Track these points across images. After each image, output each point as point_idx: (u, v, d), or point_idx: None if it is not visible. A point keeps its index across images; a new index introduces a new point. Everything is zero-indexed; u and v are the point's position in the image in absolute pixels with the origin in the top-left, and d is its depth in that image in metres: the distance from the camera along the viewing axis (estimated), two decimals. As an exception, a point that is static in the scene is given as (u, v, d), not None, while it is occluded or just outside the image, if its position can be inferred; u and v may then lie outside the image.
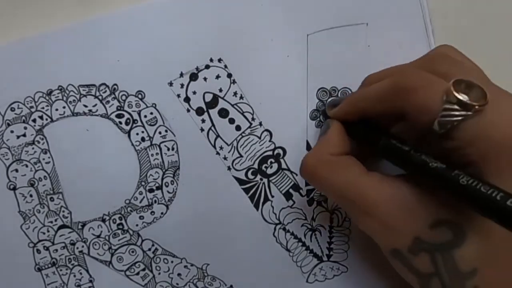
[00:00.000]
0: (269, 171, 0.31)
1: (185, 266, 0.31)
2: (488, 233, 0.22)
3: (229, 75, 0.30)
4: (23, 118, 0.29)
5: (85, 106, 0.29)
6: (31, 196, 0.29)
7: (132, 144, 0.30)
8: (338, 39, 0.30)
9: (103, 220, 0.30)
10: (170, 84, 0.30)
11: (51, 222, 0.30)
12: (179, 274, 0.31)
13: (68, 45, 0.29)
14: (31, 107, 0.29)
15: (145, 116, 0.30)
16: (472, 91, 0.22)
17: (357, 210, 0.25)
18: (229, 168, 0.30)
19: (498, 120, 0.21)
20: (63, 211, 0.30)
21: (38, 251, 0.30)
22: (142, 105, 0.30)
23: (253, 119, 0.30)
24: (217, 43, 0.30)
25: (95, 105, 0.29)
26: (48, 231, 0.30)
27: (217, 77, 0.30)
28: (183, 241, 0.30)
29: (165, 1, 0.29)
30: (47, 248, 0.30)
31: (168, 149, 0.30)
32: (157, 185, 0.30)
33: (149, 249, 0.30)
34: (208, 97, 0.30)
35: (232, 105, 0.30)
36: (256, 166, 0.31)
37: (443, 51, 0.26)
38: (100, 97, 0.29)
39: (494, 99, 0.21)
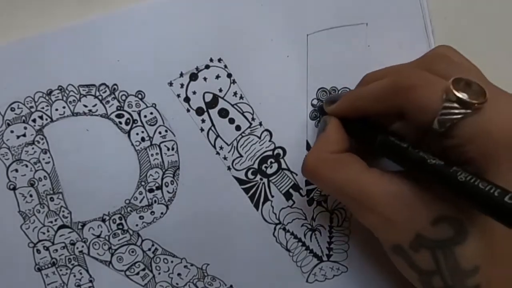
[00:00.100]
0: (269, 171, 0.31)
1: (185, 266, 0.31)
2: (490, 230, 0.22)
3: (229, 75, 0.30)
4: (23, 118, 0.29)
5: (85, 106, 0.29)
6: (31, 196, 0.29)
7: (132, 144, 0.30)
8: (338, 39, 0.30)
9: (103, 220, 0.30)
10: (170, 84, 0.30)
11: (51, 222, 0.30)
12: (179, 274, 0.31)
13: (68, 45, 0.29)
14: (31, 107, 0.29)
15: (145, 116, 0.30)
16: (471, 89, 0.22)
17: (359, 206, 0.25)
18: (229, 168, 0.30)
19: (497, 118, 0.21)
20: (63, 211, 0.30)
21: (38, 251, 0.30)
22: (142, 105, 0.30)
23: (253, 119, 0.30)
24: (217, 43, 0.30)
25: (95, 105, 0.29)
26: (48, 231, 0.30)
27: (217, 77, 0.30)
28: (183, 241, 0.30)
29: (165, 1, 0.29)
30: (47, 248, 0.30)
31: (168, 149, 0.30)
32: (157, 185, 0.30)
33: (149, 249, 0.30)
34: (208, 97, 0.30)
35: (232, 105, 0.30)
36: (256, 166, 0.31)
37: (442, 52, 0.26)
38: (100, 97, 0.29)
39: (492, 97, 0.21)
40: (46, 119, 0.29)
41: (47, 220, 0.30)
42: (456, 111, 0.21)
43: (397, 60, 0.28)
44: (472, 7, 0.31)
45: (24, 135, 0.29)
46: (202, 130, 0.30)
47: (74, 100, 0.29)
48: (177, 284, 0.31)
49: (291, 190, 0.31)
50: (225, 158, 0.30)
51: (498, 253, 0.22)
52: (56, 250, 0.30)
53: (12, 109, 0.29)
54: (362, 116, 0.26)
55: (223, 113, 0.30)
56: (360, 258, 0.31)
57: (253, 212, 0.31)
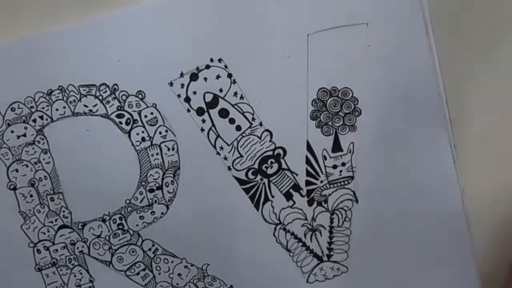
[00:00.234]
0: (270, 171, 0.31)
1: (185, 266, 0.31)
2: None
3: (230, 75, 0.30)
4: (23, 118, 0.29)
5: (86, 106, 0.29)
6: (31, 196, 0.29)
7: (132, 144, 0.30)
8: (338, 39, 0.30)
9: (103, 220, 0.30)
10: (171, 84, 0.30)
11: (51, 222, 0.30)
12: (179, 274, 0.31)
13: (68, 45, 0.29)
14: (32, 107, 0.29)
15: (146, 116, 0.30)
16: None
17: None
18: (229, 168, 0.30)
19: None
20: (63, 211, 0.30)
21: (38, 251, 0.30)
22: (142, 105, 0.30)
23: (253, 119, 0.30)
24: (217, 43, 0.30)
25: (96, 105, 0.29)
26: (48, 231, 0.30)
27: (218, 77, 0.30)
28: (183, 241, 0.30)
29: (165, 1, 0.29)
30: (47, 248, 0.30)
31: (169, 149, 0.30)
32: (157, 185, 0.30)
33: (149, 249, 0.30)
34: (209, 97, 0.30)
35: (233, 105, 0.30)
36: (256, 166, 0.31)
37: None
38: (100, 97, 0.29)
39: None
40: (47, 119, 0.29)
41: (48, 220, 0.30)
42: None
43: (397, 60, 0.28)
44: (473, 8, 0.31)
45: (24, 135, 0.29)
46: (202, 130, 0.30)
47: (74, 100, 0.29)
48: (177, 284, 0.31)
49: (291, 190, 0.31)
50: (225, 158, 0.30)
51: None
52: (57, 250, 0.30)
53: (13, 109, 0.29)
54: None
55: (224, 113, 0.30)
56: (360, 258, 0.31)
57: (253, 212, 0.31)
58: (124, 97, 0.30)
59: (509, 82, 0.31)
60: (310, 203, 0.31)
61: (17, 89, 0.29)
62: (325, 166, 0.31)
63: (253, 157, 0.31)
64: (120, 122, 0.30)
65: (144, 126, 0.30)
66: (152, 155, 0.30)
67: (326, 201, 0.31)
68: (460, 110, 0.31)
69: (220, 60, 0.30)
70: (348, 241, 0.31)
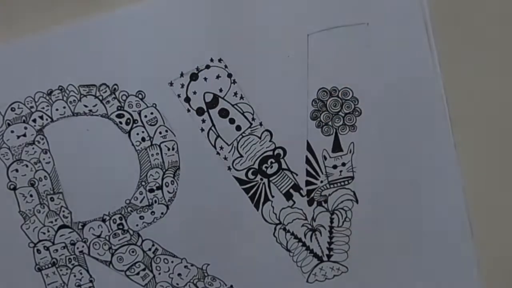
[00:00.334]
0: (270, 171, 0.31)
1: (185, 266, 0.31)
2: None
3: (229, 75, 0.30)
4: (23, 118, 0.29)
5: (86, 106, 0.29)
6: (31, 196, 0.29)
7: (133, 144, 0.30)
8: (338, 39, 0.30)
9: (103, 220, 0.30)
10: (171, 84, 0.30)
11: (51, 222, 0.30)
12: (179, 274, 0.31)
13: (68, 45, 0.29)
14: (32, 107, 0.29)
15: (146, 116, 0.30)
16: None
17: None
18: (229, 168, 0.30)
19: None
20: (63, 211, 0.30)
21: (38, 251, 0.30)
22: (142, 105, 0.30)
23: (253, 119, 0.30)
24: (217, 43, 0.30)
25: (96, 105, 0.29)
26: (48, 231, 0.30)
27: (218, 77, 0.30)
28: (183, 241, 0.30)
29: (165, 1, 0.29)
30: (47, 248, 0.30)
31: (168, 149, 0.30)
32: (157, 185, 0.30)
33: (149, 249, 0.30)
34: (209, 97, 0.30)
35: (233, 105, 0.30)
36: (256, 166, 0.31)
37: None
38: (100, 97, 0.29)
39: None
40: (47, 119, 0.29)
41: (48, 220, 0.30)
42: None
43: (397, 60, 0.28)
44: (473, 7, 0.31)
45: (24, 135, 0.29)
46: (202, 130, 0.30)
47: (74, 100, 0.29)
48: (177, 284, 0.31)
49: (291, 190, 0.31)
50: (225, 158, 0.30)
51: None
52: (57, 250, 0.30)
53: (13, 109, 0.29)
54: None
55: (224, 113, 0.30)
56: (360, 258, 0.31)
57: (253, 212, 0.31)
58: (124, 97, 0.30)
59: (509, 82, 0.31)
60: (310, 203, 0.31)
61: (17, 89, 0.29)
62: (325, 166, 0.31)
63: (253, 157, 0.31)
64: (120, 122, 0.30)
65: (144, 126, 0.30)
66: (152, 155, 0.30)
67: (326, 201, 0.31)
68: (460, 110, 0.31)
69: (220, 60, 0.30)
70: (348, 241, 0.31)
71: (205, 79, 0.30)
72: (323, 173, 0.31)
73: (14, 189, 0.29)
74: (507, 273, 0.32)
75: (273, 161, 0.31)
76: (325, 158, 0.31)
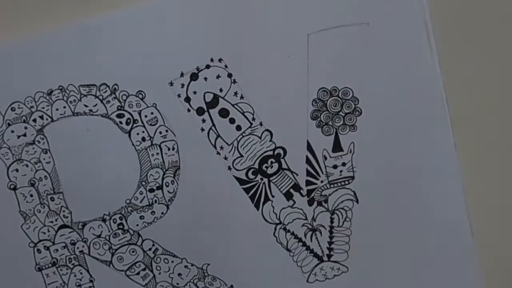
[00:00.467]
0: (270, 171, 0.31)
1: (186, 266, 0.31)
2: None
3: (230, 75, 0.30)
4: (24, 118, 0.29)
5: (86, 106, 0.29)
6: (31, 196, 0.29)
7: (133, 144, 0.30)
8: (338, 39, 0.30)
9: (104, 220, 0.30)
10: (171, 84, 0.30)
11: (52, 222, 0.30)
12: (179, 274, 0.31)
13: (68, 45, 0.29)
14: (32, 107, 0.29)
15: (146, 116, 0.30)
16: None
17: None
18: (229, 168, 0.30)
19: None
20: (64, 211, 0.30)
21: (39, 251, 0.30)
22: (142, 105, 0.30)
23: (253, 119, 0.30)
24: (217, 43, 0.30)
25: (96, 105, 0.29)
26: (48, 231, 0.30)
27: (218, 77, 0.30)
28: (183, 241, 0.30)
29: (165, 1, 0.29)
30: (47, 248, 0.30)
31: (169, 149, 0.30)
32: (157, 185, 0.30)
33: (150, 249, 0.30)
34: (209, 97, 0.30)
35: (233, 105, 0.30)
36: (256, 166, 0.31)
37: None
38: (100, 97, 0.29)
39: None
40: (47, 119, 0.29)
41: (48, 220, 0.30)
42: None
43: (397, 60, 0.28)
44: (473, 7, 0.31)
45: (24, 135, 0.29)
46: (202, 130, 0.30)
47: (74, 100, 0.29)
48: (177, 284, 0.31)
49: (291, 190, 0.31)
50: (225, 158, 0.30)
51: None
52: (57, 250, 0.30)
53: (13, 109, 0.29)
54: None
55: (224, 113, 0.30)
56: (360, 258, 0.31)
57: (253, 212, 0.31)
58: (124, 97, 0.30)
59: (509, 82, 0.31)
60: (310, 203, 0.31)
61: (17, 89, 0.29)
62: (325, 166, 0.31)
63: (253, 157, 0.31)
64: (120, 122, 0.30)
65: (144, 126, 0.30)
66: (152, 155, 0.30)
67: (326, 201, 0.31)
68: (460, 110, 0.31)
69: (220, 60, 0.30)
70: (348, 241, 0.31)
71: (205, 79, 0.30)
72: (323, 173, 0.31)
73: (14, 189, 0.29)
74: (507, 273, 0.32)
75: (273, 161, 0.31)
76: (326, 158, 0.31)
